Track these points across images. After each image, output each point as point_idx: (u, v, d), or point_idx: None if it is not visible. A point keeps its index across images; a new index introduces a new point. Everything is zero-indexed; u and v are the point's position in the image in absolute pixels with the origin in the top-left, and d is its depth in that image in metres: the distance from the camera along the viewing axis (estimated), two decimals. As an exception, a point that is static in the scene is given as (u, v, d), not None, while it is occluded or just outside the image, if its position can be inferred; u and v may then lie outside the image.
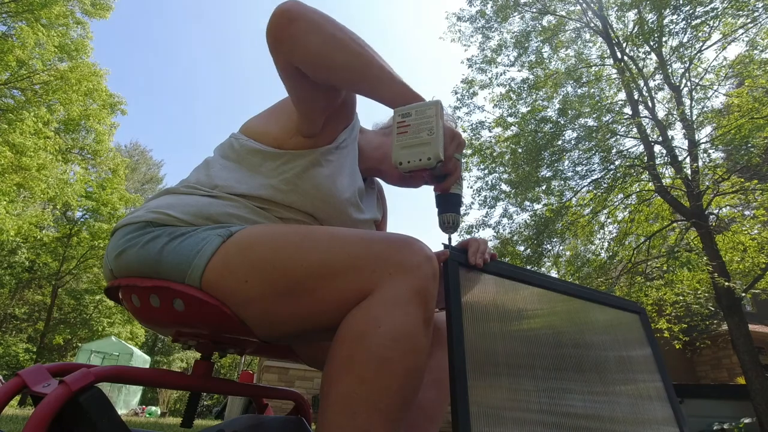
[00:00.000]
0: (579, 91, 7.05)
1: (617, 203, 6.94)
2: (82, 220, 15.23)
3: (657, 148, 6.46)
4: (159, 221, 0.73)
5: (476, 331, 0.75)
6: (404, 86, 0.75)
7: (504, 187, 7.32)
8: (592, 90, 7.08)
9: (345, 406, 0.55)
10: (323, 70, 0.73)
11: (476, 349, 0.72)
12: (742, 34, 6.19)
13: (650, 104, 6.58)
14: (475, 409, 0.66)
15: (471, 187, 7.65)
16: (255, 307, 0.67)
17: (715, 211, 6.38)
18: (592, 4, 7.30)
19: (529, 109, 7.32)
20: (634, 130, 6.60)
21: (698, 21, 6.11)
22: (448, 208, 0.79)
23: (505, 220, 7.34)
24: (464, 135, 7.68)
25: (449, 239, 0.82)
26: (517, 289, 0.88)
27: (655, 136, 6.55)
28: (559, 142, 6.83)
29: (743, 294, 5.10)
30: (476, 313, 0.77)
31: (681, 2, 6.05)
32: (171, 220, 0.73)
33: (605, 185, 6.67)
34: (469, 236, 7.53)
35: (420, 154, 0.70)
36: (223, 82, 50.82)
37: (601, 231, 7.30)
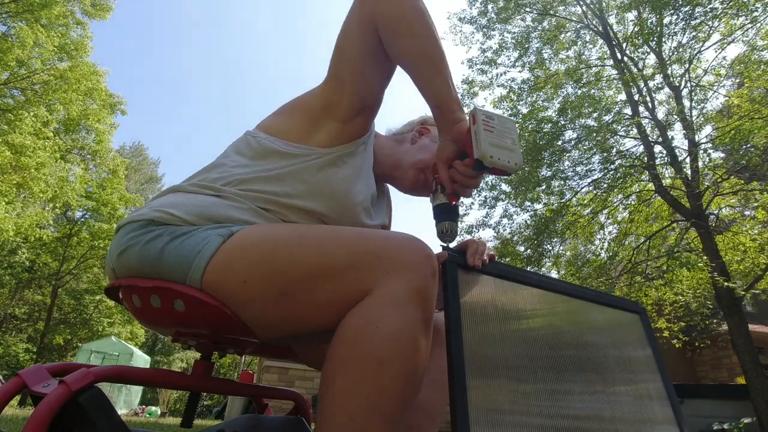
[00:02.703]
0: (579, 91, 7.04)
1: (617, 203, 6.93)
2: (82, 220, 15.24)
3: (657, 148, 6.46)
4: (161, 220, 0.73)
5: (475, 332, 0.74)
6: (456, 93, 0.79)
7: (504, 187, 7.32)
8: (593, 90, 7.08)
9: (343, 407, 0.55)
10: (401, 34, 0.76)
11: (475, 350, 0.72)
12: (742, 34, 6.18)
13: (650, 104, 6.58)
14: (475, 411, 0.66)
15: (471, 187, 7.63)
16: (255, 308, 0.67)
17: (715, 212, 6.38)
18: (592, 6, 7.29)
19: (529, 109, 7.31)
20: (634, 130, 6.60)
21: (697, 21, 6.11)
22: (448, 217, 0.80)
23: (505, 221, 7.34)
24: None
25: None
26: (517, 290, 0.87)
27: (655, 137, 6.55)
28: (559, 142, 6.82)
29: (743, 294, 5.10)
30: (475, 314, 0.77)
31: (680, 2, 6.04)
32: (173, 219, 0.73)
33: (605, 185, 6.67)
34: (468, 236, 7.53)
35: (508, 157, 0.75)
36: (220, 81, 50.80)
37: (601, 231, 7.29)
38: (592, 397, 0.87)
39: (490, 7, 7.74)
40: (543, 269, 7.62)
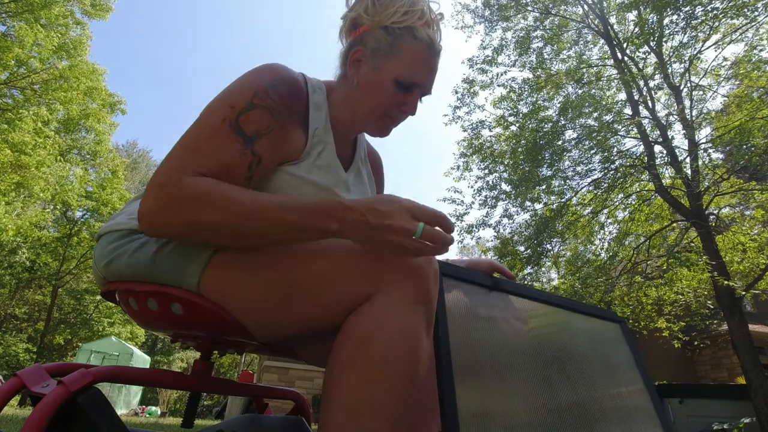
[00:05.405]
0: (580, 91, 7.04)
1: (617, 203, 6.93)
2: (82, 220, 15.24)
3: (657, 147, 6.46)
4: None
5: (462, 339, 0.75)
6: (312, 210, 0.61)
7: (504, 186, 7.32)
8: (593, 90, 7.07)
9: (348, 406, 0.55)
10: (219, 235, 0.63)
11: (462, 356, 0.73)
12: (741, 35, 6.18)
13: (650, 104, 6.58)
14: (463, 413, 0.66)
15: (471, 187, 7.64)
16: (255, 311, 0.66)
17: (715, 211, 6.37)
18: (593, 6, 7.29)
19: (530, 109, 7.31)
20: (635, 130, 6.60)
21: (698, 21, 6.10)
22: None
23: (505, 220, 7.33)
24: (465, 134, 7.69)
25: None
26: (501, 298, 0.89)
27: (655, 136, 6.55)
28: (560, 142, 6.82)
29: (743, 294, 5.09)
30: (461, 321, 0.77)
31: (681, 2, 6.03)
32: None
33: (605, 185, 6.67)
34: (468, 236, 7.47)
35: None
36: (221, 79, 50.85)
37: (601, 231, 7.29)
38: (577, 404, 0.89)
39: (493, 0, 7.73)
40: (543, 269, 7.62)
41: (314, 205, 0.61)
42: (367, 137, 1.01)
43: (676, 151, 6.20)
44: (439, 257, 0.87)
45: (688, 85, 6.33)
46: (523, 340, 0.88)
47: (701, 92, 6.37)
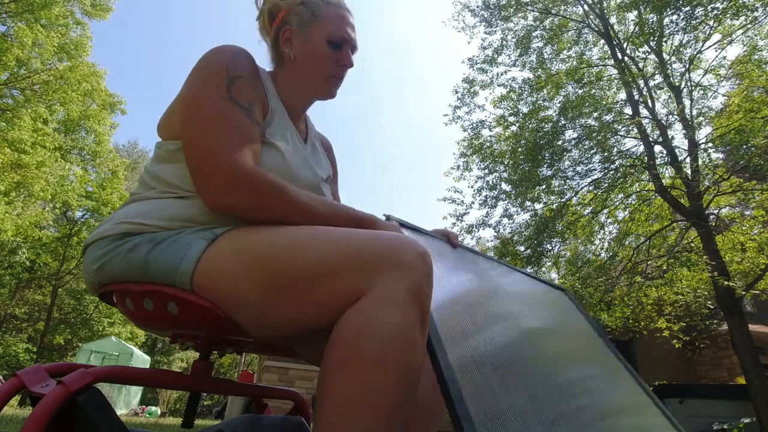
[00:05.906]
0: (580, 91, 7.03)
1: (617, 203, 6.93)
2: (82, 220, 15.25)
3: (657, 147, 6.45)
4: (135, 230, 0.71)
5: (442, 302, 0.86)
6: (344, 212, 0.77)
7: (504, 186, 7.31)
8: (593, 90, 7.07)
9: (341, 407, 0.54)
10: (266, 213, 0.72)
11: (447, 326, 0.81)
12: (741, 35, 6.18)
13: (650, 104, 6.58)
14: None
15: (471, 187, 7.63)
16: (248, 310, 0.66)
17: (715, 211, 6.37)
18: (593, 6, 7.28)
19: (530, 109, 7.30)
20: (635, 130, 6.59)
21: (698, 21, 6.10)
22: None
23: (505, 220, 7.33)
24: (465, 134, 7.69)
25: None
26: (460, 256, 1.08)
27: (655, 136, 6.55)
28: (560, 142, 6.82)
29: (743, 294, 5.09)
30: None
31: (681, 2, 6.03)
32: (147, 228, 0.71)
33: (605, 185, 6.66)
34: (468, 236, 7.47)
35: None
36: (223, 82, 50.78)
37: (601, 231, 7.29)
38: (551, 363, 1.00)
39: (493, 1, 7.72)
40: (543, 269, 7.62)
41: (354, 221, 0.76)
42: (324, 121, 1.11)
43: (676, 151, 6.20)
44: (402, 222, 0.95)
45: (689, 84, 6.32)
46: (488, 301, 1.01)
47: (701, 92, 6.37)
